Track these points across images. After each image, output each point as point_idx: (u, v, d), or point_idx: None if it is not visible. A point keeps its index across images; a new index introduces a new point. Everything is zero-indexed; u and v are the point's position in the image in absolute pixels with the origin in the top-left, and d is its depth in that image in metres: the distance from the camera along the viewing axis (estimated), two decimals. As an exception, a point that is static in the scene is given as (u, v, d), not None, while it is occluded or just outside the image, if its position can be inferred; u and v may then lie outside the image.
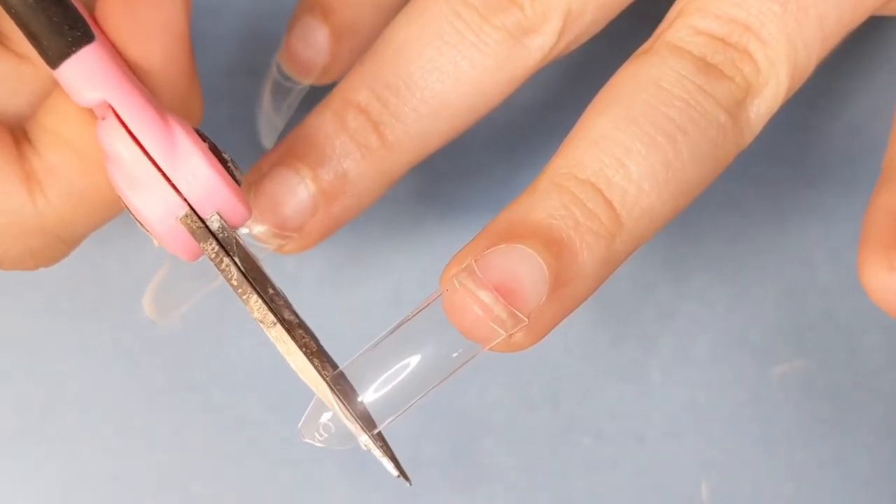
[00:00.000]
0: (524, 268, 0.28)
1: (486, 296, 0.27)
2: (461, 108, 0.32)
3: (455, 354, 0.28)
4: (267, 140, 0.38)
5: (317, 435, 0.28)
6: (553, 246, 0.28)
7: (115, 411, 0.39)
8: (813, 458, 0.39)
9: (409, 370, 0.28)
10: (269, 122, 0.37)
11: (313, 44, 0.34)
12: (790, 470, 0.39)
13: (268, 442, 0.39)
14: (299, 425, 0.28)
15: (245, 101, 0.38)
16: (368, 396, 0.28)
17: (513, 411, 0.39)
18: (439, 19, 0.31)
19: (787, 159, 0.40)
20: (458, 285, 0.28)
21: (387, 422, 0.28)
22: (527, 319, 0.28)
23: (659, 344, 0.39)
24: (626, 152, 0.29)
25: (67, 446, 0.39)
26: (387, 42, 0.32)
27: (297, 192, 0.32)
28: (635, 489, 0.39)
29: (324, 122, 0.32)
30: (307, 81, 0.35)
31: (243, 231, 0.32)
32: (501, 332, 0.28)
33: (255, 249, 0.31)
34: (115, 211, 0.30)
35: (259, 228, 0.32)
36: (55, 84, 0.29)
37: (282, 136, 0.36)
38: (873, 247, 0.29)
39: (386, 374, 0.28)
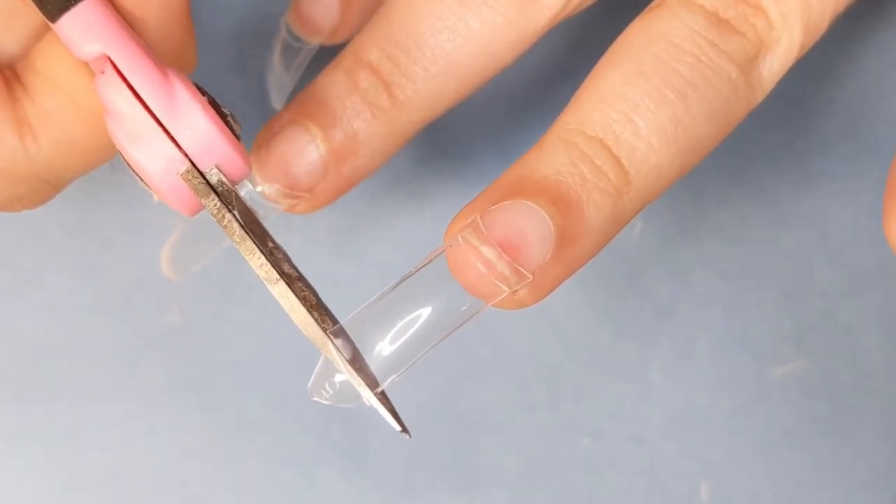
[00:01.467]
0: (529, 224, 0.27)
1: (489, 252, 0.27)
2: (472, 67, 0.31)
3: (461, 309, 0.28)
4: (277, 101, 0.37)
5: (324, 393, 0.28)
6: (560, 202, 0.28)
7: (114, 411, 0.39)
8: (812, 459, 0.39)
9: (413, 325, 0.28)
10: (278, 82, 0.37)
11: (322, 3, 0.34)
12: (790, 470, 0.39)
13: (268, 441, 0.39)
14: (308, 384, 0.28)
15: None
16: (372, 352, 0.27)
17: (512, 411, 0.39)
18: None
19: (786, 162, 0.40)
20: (461, 241, 0.27)
21: (390, 378, 0.28)
22: (531, 276, 0.27)
23: (659, 345, 0.39)
24: (634, 108, 0.28)
25: (67, 445, 0.39)
26: (397, 1, 0.31)
27: (307, 151, 0.31)
28: (635, 489, 0.39)
29: (335, 81, 0.32)
30: (316, 41, 0.35)
31: (255, 190, 0.32)
32: (505, 288, 0.27)
33: (266, 209, 0.32)
34: (106, 157, 0.29)
35: (270, 188, 0.32)
36: (48, 26, 0.28)
37: (291, 97, 0.36)
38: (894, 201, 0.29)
39: (390, 330, 0.28)
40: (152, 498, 0.39)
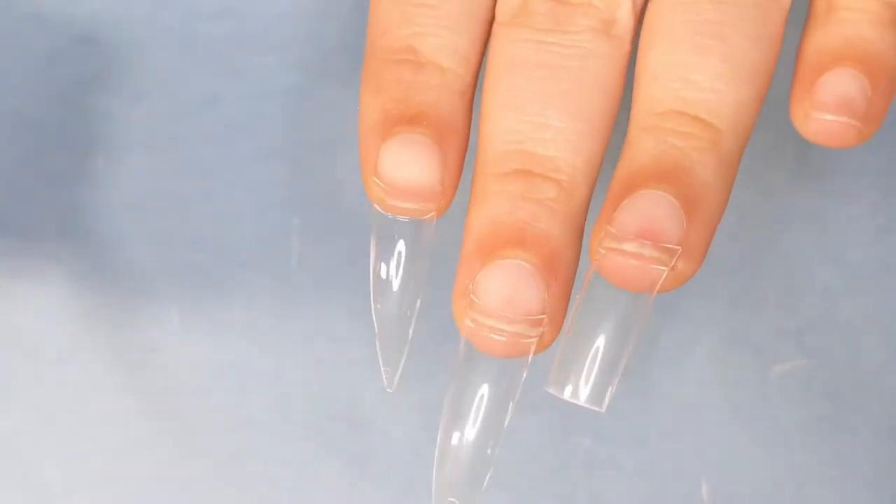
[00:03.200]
0: (653, 207, 0.28)
1: (632, 245, 0.28)
2: (602, 114, 0.30)
3: (636, 311, 0.29)
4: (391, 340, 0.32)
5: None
6: (667, 177, 0.29)
7: (114, 413, 0.39)
8: (813, 458, 0.39)
9: (601, 345, 0.29)
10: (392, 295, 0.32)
11: (411, 157, 0.30)
12: (790, 469, 0.39)
13: (268, 443, 0.39)
14: None
15: (244, 105, 0.38)
16: (587, 379, 0.29)
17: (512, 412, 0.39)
18: (526, 53, 0.30)
19: (785, 160, 0.40)
20: (604, 251, 0.29)
21: (608, 397, 0.30)
22: (679, 247, 0.28)
23: (659, 343, 0.39)
24: (687, 69, 0.29)
25: (67, 448, 0.39)
26: (497, 105, 0.30)
27: (525, 274, 0.29)
28: (636, 489, 0.39)
29: (496, 205, 0.30)
30: (427, 211, 0.31)
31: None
32: (662, 267, 0.28)
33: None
34: None
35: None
36: None
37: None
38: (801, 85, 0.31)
39: (590, 350, 0.29)
40: (152, 500, 0.39)
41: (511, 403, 0.30)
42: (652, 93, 0.30)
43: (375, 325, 0.31)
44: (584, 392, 0.30)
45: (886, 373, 0.39)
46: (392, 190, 0.30)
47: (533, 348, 0.29)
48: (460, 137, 0.30)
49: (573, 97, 0.30)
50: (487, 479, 0.30)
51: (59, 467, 0.39)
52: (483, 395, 0.30)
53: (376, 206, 0.30)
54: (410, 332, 0.32)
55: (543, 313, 0.29)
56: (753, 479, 0.39)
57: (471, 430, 0.30)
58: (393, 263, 0.31)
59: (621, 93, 0.30)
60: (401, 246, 0.31)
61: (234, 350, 0.39)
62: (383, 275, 0.31)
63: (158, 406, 0.39)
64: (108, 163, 0.38)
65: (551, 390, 0.30)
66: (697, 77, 0.29)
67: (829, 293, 0.39)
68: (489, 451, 0.30)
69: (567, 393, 0.30)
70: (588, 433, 0.39)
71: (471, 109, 0.31)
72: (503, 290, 0.29)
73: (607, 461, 0.39)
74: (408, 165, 0.30)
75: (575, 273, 0.30)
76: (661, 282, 0.29)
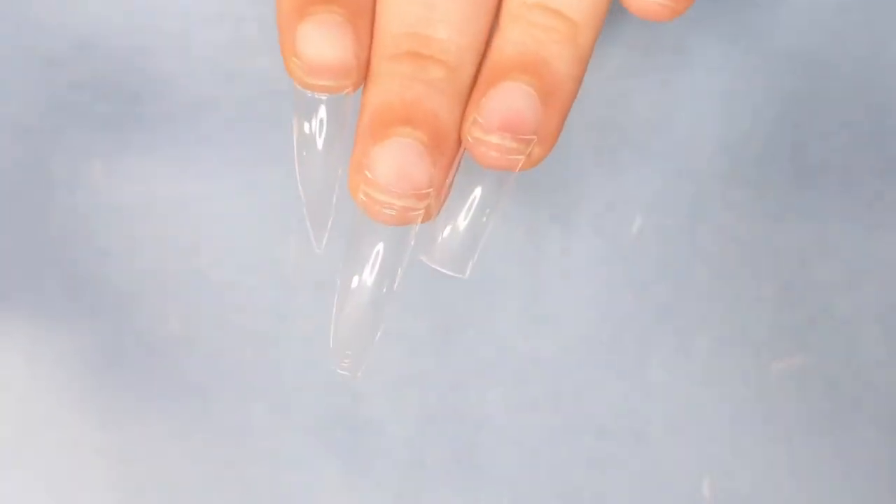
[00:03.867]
0: (515, 100, 0.31)
1: (494, 138, 0.31)
2: None
3: (502, 186, 0.32)
4: (315, 194, 0.34)
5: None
6: (529, 69, 0.32)
7: (115, 416, 0.39)
8: (813, 453, 0.39)
9: (472, 203, 0.33)
10: (315, 164, 0.34)
11: (326, 32, 0.32)
12: (791, 465, 0.39)
13: (269, 445, 0.39)
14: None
15: (243, 108, 0.38)
16: (461, 218, 0.33)
17: (513, 411, 0.39)
18: None
19: (781, 157, 0.40)
20: (472, 140, 0.31)
21: (473, 260, 0.33)
22: (535, 136, 0.31)
23: (658, 342, 0.40)
24: None
25: (68, 452, 0.39)
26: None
27: (414, 150, 0.32)
28: (637, 487, 0.39)
29: (387, 85, 0.32)
30: (345, 87, 0.32)
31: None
32: (519, 157, 0.32)
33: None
34: None
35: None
36: None
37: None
38: None
39: (462, 210, 0.33)
40: (152, 502, 0.39)
41: (400, 267, 0.32)
42: None
43: (302, 193, 0.33)
44: (448, 260, 0.33)
45: (885, 368, 0.39)
46: (310, 68, 0.32)
47: (419, 219, 0.31)
48: (370, 12, 0.33)
49: None
50: (378, 335, 0.32)
51: (58, 469, 0.39)
52: (377, 255, 0.32)
53: (297, 84, 0.32)
54: (335, 198, 0.34)
55: (430, 187, 0.31)
56: (754, 475, 0.39)
57: (365, 286, 0.32)
58: (315, 134, 0.33)
59: None
60: (321, 117, 0.33)
61: (233, 352, 0.39)
62: (306, 145, 0.33)
63: (158, 408, 0.39)
64: (107, 166, 0.38)
65: (423, 258, 0.33)
66: None
67: (828, 290, 0.40)
68: (380, 306, 0.32)
69: (434, 260, 0.33)
70: (589, 431, 0.39)
71: None
72: (394, 166, 0.31)
73: (608, 459, 0.39)
74: (324, 43, 0.32)
75: (459, 148, 0.32)
76: (518, 168, 0.32)
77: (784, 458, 0.39)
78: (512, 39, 0.32)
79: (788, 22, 0.39)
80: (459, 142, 0.32)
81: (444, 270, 0.33)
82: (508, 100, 0.31)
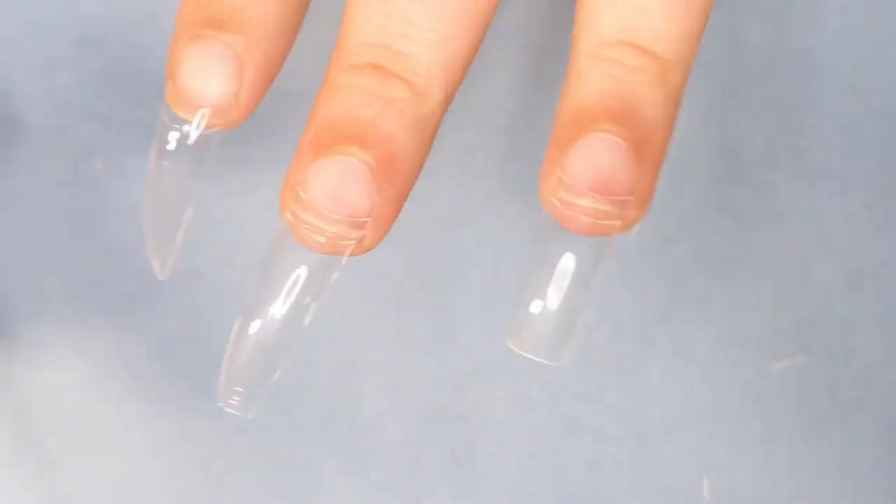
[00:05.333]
0: (606, 155, 0.27)
1: (586, 201, 0.28)
2: (472, 20, 0.29)
3: (595, 251, 0.29)
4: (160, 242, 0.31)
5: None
6: (618, 118, 0.28)
7: (115, 417, 0.39)
8: (813, 454, 0.39)
9: (568, 274, 0.29)
10: (168, 199, 0.31)
11: (209, 66, 0.29)
12: (791, 466, 0.39)
13: (269, 446, 0.39)
14: None
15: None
16: (552, 294, 0.29)
17: (512, 412, 0.39)
18: None
19: (781, 159, 0.40)
20: (558, 204, 0.28)
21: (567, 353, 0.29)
22: (632, 197, 0.28)
23: (658, 342, 0.39)
24: None
25: (68, 453, 0.39)
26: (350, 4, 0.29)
27: (357, 173, 0.28)
28: (637, 488, 0.39)
29: (342, 102, 0.28)
30: (216, 124, 0.30)
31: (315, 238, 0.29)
32: (616, 222, 0.28)
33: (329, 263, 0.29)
34: None
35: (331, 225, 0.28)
36: None
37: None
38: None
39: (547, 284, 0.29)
40: (153, 504, 0.39)
41: (314, 304, 0.29)
42: (601, 20, 0.28)
43: (145, 222, 0.30)
44: (542, 348, 0.29)
45: (885, 369, 0.39)
46: (181, 98, 0.29)
47: (349, 250, 0.28)
48: (272, 48, 0.29)
49: None
50: (278, 374, 0.29)
51: (59, 473, 0.39)
52: (293, 286, 0.29)
53: (166, 105, 0.29)
54: (180, 235, 0.30)
55: (369, 216, 0.28)
56: (754, 476, 0.39)
57: (272, 319, 0.29)
58: (169, 159, 0.30)
59: (497, 1, 0.29)
60: (180, 146, 0.30)
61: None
62: (156, 173, 0.30)
63: (158, 409, 0.39)
64: (108, 167, 0.38)
65: (510, 344, 0.29)
66: (648, 6, 0.28)
67: (828, 290, 0.40)
68: (284, 345, 0.29)
69: (526, 349, 0.29)
70: (588, 432, 0.39)
71: (294, 16, 0.29)
72: (330, 188, 0.27)
73: (607, 460, 0.39)
74: (202, 76, 0.28)
75: (415, 179, 0.28)
76: (614, 233, 0.28)
77: (784, 458, 0.39)
78: (594, 83, 0.28)
79: (789, 23, 0.39)
80: (416, 173, 0.28)
81: (534, 358, 0.29)
82: (598, 156, 0.28)
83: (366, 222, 0.28)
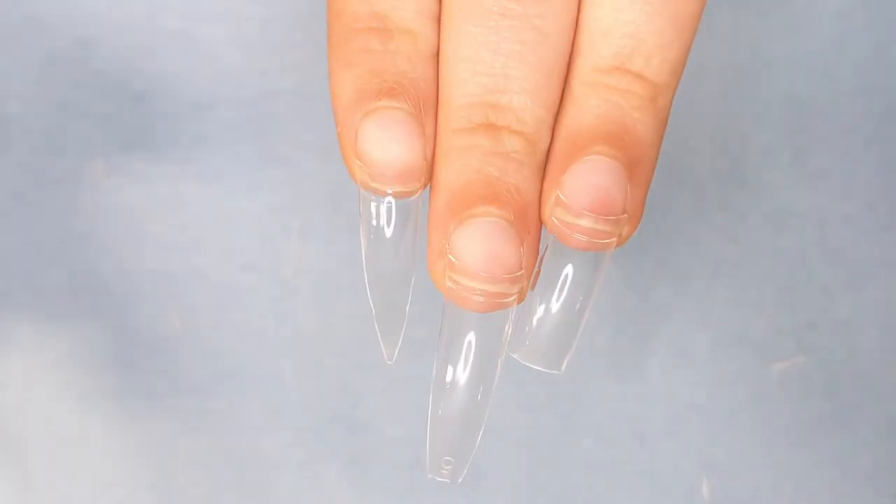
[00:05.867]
0: (602, 176, 0.29)
1: (585, 221, 0.29)
2: (559, 63, 0.30)
3: (595, 268, 0.30)
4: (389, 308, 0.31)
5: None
6: (612, 140, 0.29)
7: (115, 416, 0.39)
8: (813, 456, 0.39)
9: (562, 295, 0.30)
10: (386, 274, 0.31)
11: (389, 131, 0.29)
12: (791, 467, 0.39)
13: (268, 445, 0.39)
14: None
15: (243, 108, 0.38)
16: (553, 306, 0.30)
17: (512, 412, 0.39)
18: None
19: (781, 160, 0.40)
20: (557, 222, 0.29)
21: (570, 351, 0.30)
22: (625, 215, 0.29)
23: (658, 343, 0.40)
24: (628, 25, 0.29)
25: (67, 452, 0.39)
26: (457, 55, 0.29)
27: (503, 232, 0.29)
28: (636, 488, 0.39)
29: (463, 161, 0.29)
30: (412, 190, 0.30)
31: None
32: (611, 240, 0.29)
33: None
34: None
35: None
36: None
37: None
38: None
39: (557, 287, 0.30)
40: (152, 503, 0.39)
41: (498, 359, 0.30)
42: (599, 48, 0.29)
43: (370, 298, 0.31)
44: (545, 359, 0.30)
45: (885, 370, 0.39)
46: (375, 172, 0.29)
47: (515, 303, 0.29)
48: (435, 101, 0.30)
49: (534, 47, 0.29)
50: (480, 435, 0.30)
51: (58, 470, 0.39)
52: (470, 351, 0.30)
53: (361, 188, 0.29)
54: (407, 308, 0.31)
55: (521, 269, 0.29)
56: (754, 477, 0.39)
57: (461, 387, 0.30)
58: (383, 227, 0.30)
59: (572, 39, 0.30)
60: (389, 214, 0.30)
61: (233, 352, 0.39)
62: (374, 241, 0.30)
63: (159, 407, 0.39)
64: (108, 166, 0.38)
65: (516, 356, 0.30)
66: (643, 34, 0.29)
67: (828, 291, 0.40)
68: (480, 405, 0.30)
69: (529, 360, 0.30)
70: (588, 433, 0.39)
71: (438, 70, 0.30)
72: (483, 250, 0.28)
73: (607, 461, 0.39)
74: (390, 144, 0.29)
75: (541, 225, 0.29)
76: (610, 249, 0.29)
77: (784, 459, 0.39)
78: (589, 107, 0.29)
79: (789, 25, 0.39)
80: (539, 216, 0.29)
81: (536, 367, 0.30)
82: (596, 178, 0.29)
83: (521, 275, 0.29)
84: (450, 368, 0.30)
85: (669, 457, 0.39)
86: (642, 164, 0.29)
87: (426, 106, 0.29)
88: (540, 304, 0.30)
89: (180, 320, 0.39)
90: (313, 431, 0.39)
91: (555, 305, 0.30)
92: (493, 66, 0.29)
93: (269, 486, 0.39)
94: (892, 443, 0.39)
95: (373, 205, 0.30)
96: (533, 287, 0.30)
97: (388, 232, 0.30)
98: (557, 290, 0.30)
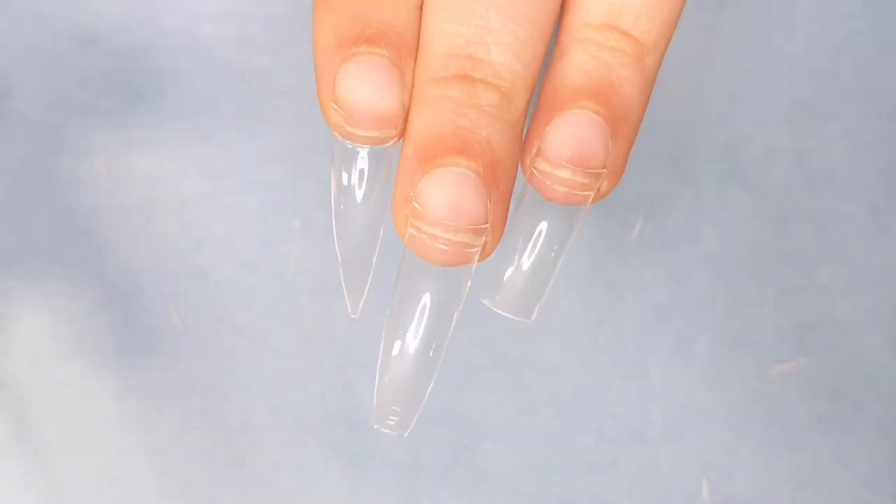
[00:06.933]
0: (584, 129, 0.29)
1: (563, 172, 0.29)
2: (544, 20, 0.30)
3: (569, 222, 0.30)
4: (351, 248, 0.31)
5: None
6: (597, 96, 0.29)
7: (115, 414, 0.39)
8: (813, 457, 0.39)
9: (538, 243, 0.30)
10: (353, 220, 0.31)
11: (368, 77, 0.29)
12: (791, 468, 0.39)
13: (269, 445, 0.39)
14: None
15: (245, 106, 0.38)
16: (526, 258, 0.30)
17: (512, 413, 0.39)
18: None
19: (783, 161, 0.40)
20: (537, 173, 0.29)
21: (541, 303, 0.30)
22: (605, 170, 0.29)
23: (658, 344, 0.39)
24: None
25: (68, 449, 0.39)
26: (439, 5, 0.29)
27: (470, 183, 0.29)
28: (636, 489, 0.39)
29: (436, 110, 0.29)
30: (384, 139, 0.30)
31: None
32: (589, 193, 0.29)
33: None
34: None
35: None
36: None
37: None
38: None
39: (525, 251, 0.30)
40: (153, 501, 0.39)
41: (455, 313, 0.30)
42: (589, 5, 0.30)
43: (338, 251, 0.31)
44: (515, 307, 0.30)
45: (886, 372, 0.39)
46: (352, 116, 0.29)
47: (476, 257, 0.29)
48: (415, 51, 0.30)
49: (517, 1, 0.29)
50: (429, 388, 0.30)
51: (59, 469, 0.39)
52: (426, 304, 0.29)
53: (336, 133, 0.29)
54: (374, 258, 0.31)
55: (486, 222, 0.28)
56: (754, 478, 0.39)
57: (412, 340, 0.29)
58: (355, 186, 0.30)
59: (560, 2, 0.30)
60: (362, 167, 0.30)
61: (234, 351, 0.39)
62: (345, 198, 0.30)
63: (159, 406, 0.39)
64: (110, 164, 0.38)
65: (485, 301, 0.30)
66: None
67: (829, 293, 0.39)
68: (431, 359, 0.30)
69: (500, 307, 0.30)
70: (588, 433, 0.39)
71: (419, 23, 0.30)
72: (447, 199, 0.28)
73: (607, 461, 0.39)
74: (368, 89, 0.29)
75: (514, 180, 0.29)
76: (588, 202, 0.30)
77: (784, 461, 0.39)
78: (577, 63, 0.29)
79: (792, 28, 0.39)
80: (514, 173, 0.29)
81: (507, 315, 0.30)
82: (578, 130, 0.29)
83: (486, 228, 0.29)
84: (404, 320, 0.29)
85: (669, 457, 0.39)
86: (626, 121, 0.29)
87: (408, 55, 0.29)
88: (514, 256, 0.30)
89: (180, 319, 0.39)
90: (313, 431, 0.39)
91: (529, 257, 0.30)
92: (473, 17, 0.29)
93: (269, 485, 0.39)
94: (892, 443, 0.39)
95: (346, 152, 0.29)
96: (496, 245, 0.30)
97: (359, 181, 0.30)
98: (532, 242, 0.30)
